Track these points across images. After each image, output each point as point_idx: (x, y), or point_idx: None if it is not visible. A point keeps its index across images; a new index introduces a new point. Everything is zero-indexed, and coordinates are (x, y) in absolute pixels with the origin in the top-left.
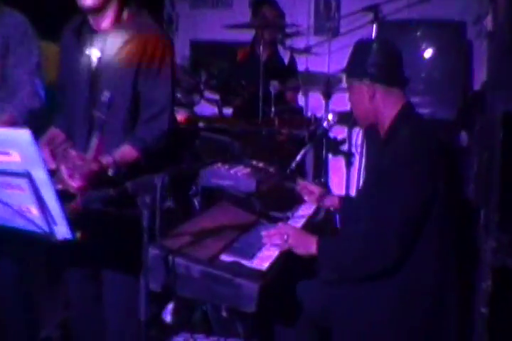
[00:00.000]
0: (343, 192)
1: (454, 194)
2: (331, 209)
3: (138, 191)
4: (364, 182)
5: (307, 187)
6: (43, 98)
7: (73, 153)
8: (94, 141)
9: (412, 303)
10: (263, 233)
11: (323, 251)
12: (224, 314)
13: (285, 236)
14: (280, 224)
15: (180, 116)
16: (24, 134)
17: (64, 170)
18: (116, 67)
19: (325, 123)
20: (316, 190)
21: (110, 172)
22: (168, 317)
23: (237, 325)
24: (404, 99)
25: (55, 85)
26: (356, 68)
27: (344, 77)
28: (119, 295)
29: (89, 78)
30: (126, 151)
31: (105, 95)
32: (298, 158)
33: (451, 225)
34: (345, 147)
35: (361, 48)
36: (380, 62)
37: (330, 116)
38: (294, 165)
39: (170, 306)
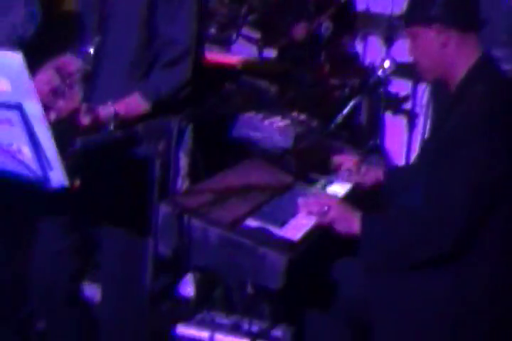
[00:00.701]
0: (401, 160)
1: None
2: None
3: (149, 136)
4: (423, 149)
5: (341, 162)
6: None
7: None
8: (77, 93)
9: (469, 299)
10: (299, 200)
11: (368, 231)
12: (249, 291)
13: (325, 208)
14: (321, 193)
15: (213, 55)
16: (15, 58)
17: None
18: None
19: (380, 72)
20: (351, 163)
21: (111, 127)
22: (183, 290)
23: (263, 305)
24: (481, 49)
25: None
26: (422, 10)
27: (404, 23)
28: (117, 259)
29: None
30: (134, 102)
31: (95, 41)
32: (345, 111)
33: None
34: (408, 105)
35: None
36: (452, 0)
37: (386, 64)
38: (339, 119)
39: (188, 277)
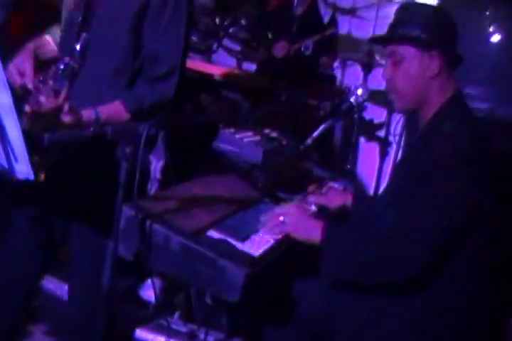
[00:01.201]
0: (371, 187)
1: (503, 212)
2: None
3: (118, 138)
4: (392, 181)
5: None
6: None
7: (43, 98)
8: (63, 91)
9: (434, 329)
10: (261, 218)
11: (330, 240)
12: (208, 301)
13: (281, 217)
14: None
15: (193, 63)
16: None
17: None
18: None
19: (352, 98)
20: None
21: (89, 131)
22: (144, 293)
23: (222, 316)
24: (457, 85)
25: None
26: (412, 29)
27: (386, 41)
28: (85, 259)
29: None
30: (115, 109)
31: (82, 37)
32: (315, 133)
33: (495, 246)
34: (382, 133)
35: (415, 7)
36: (443, 25)
37: (359, 91)
38: (309, 141)
39: (148, 281)
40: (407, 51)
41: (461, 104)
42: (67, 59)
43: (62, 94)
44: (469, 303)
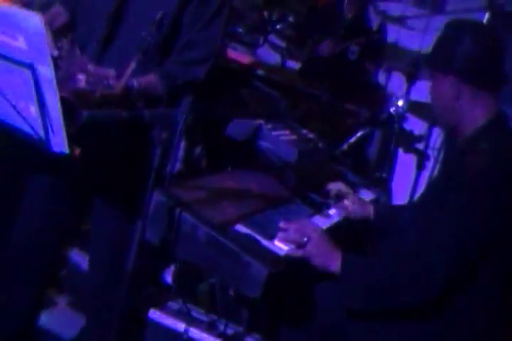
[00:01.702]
0: (405, 197)
1: None
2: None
3: (155, 122)
4: (422, 194)
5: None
6: None
7: (92, 68)
8: (131, 65)
9: None
10: (281, 223)
11: (348, 272)
12: (231, 293)
13: (305, 239)
14: (305, 220)
15: (237, 55)
16: (34, 19)
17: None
18: None
19: (392, 109)
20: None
21: (127, 113)
22: (167, 278)
23: (242, 310)
24: (497, 106)
25: None
26: (441, 58)
27: (425, 63)
28: (107, 235)
29: None
30: (151, 82)
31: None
32: (352, 139)
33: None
34: (421, 145)
35: (452, 33)
36: (473, 55)
37: (400, 102)
38: (345, 146)
39: (171, 267)
40: (434, 75)
41: (501, 127)
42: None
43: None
44: (484, 331)
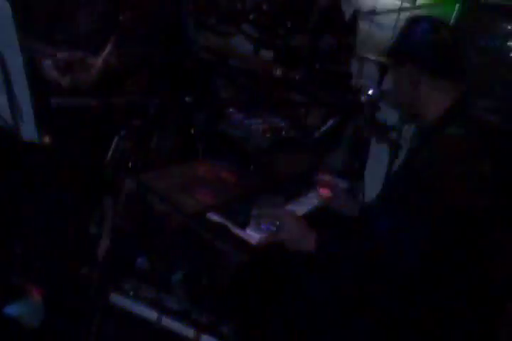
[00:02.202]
0: (378, 187)
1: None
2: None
3: (126, 110)
4: (389, 185)
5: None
6: None
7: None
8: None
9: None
10: (253, 211)
11: (323, 251)
12: (204, 282)
13: (277, 222)
14: (280, 209)
15: (211, 44)
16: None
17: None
18: None
19: (362, 98)
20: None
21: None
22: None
23: (216, 298)
24: (460, 95)
25: None
26: (400, 47)
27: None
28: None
29: None
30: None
31: None
32: (323, 128)
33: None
34: (394, 135)
35: (410, 25)
36: (428, 44)
37: (370, 91)
38: (316, 134)
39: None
40: (393, 63)
41: (464, 113)
42: None
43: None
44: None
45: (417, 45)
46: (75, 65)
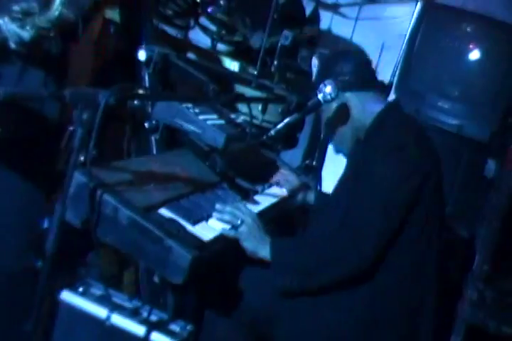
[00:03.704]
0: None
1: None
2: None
3: (76, 102)
4: (342, 175)
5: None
6: None
7: None
8: None
9: (379, 324)
10: (217, 205)
11: (278, 256)
12: (155, 279)
13: (238, 221)
14: (241, 204)
15: (168, 37)
16: None
17: None
18: None
19: (320, 95)
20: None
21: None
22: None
23: (168, 296)
24: (386, 101)
25: None
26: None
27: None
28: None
29: None
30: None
31: None
32: (279, 125)
33: (432, 243)
34: None
35: (328, 60)
36: (349, 69)
37: (328, 88)
38: (273, 132)
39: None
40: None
41: (398, 111)
42: None
43: None
44: (414, 293)
45: (342, 71)
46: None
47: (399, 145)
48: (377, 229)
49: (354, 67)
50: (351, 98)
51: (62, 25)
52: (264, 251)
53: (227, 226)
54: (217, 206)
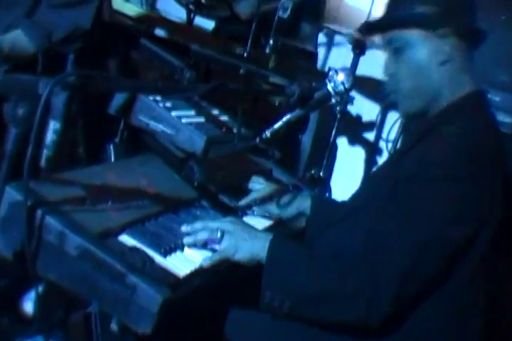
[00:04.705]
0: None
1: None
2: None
3: (8, 93)
4: (369, 184)
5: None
6: None
7: None
8: None
9: None
10: (184, 227)
11: (276, 259)
12: (114, 327)
13: (218, 234)
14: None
15: (131, 7)
16: None
17: None
18: None
19: (329, 85)
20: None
21: None
22: (26, 307)
23: None
24: (475, 81)
25: None
26: (411, 6)
27: (385, 27)
28: None
29: None
30: (17, 39)
31: None
32: (277, 124)
33: (489, 293)
34: (370, 135)
35: None
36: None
37: (340, 76)
38: (268, 133)
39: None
40: (411, 34)
41: (479, 106)
42: None
43: None
44: None
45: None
46: None
47: (459, 175)
48: (403, 273)
49: None
50: (457, 48)
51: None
52: (263, 251)
53: (208, 253)
54: (184, 228)
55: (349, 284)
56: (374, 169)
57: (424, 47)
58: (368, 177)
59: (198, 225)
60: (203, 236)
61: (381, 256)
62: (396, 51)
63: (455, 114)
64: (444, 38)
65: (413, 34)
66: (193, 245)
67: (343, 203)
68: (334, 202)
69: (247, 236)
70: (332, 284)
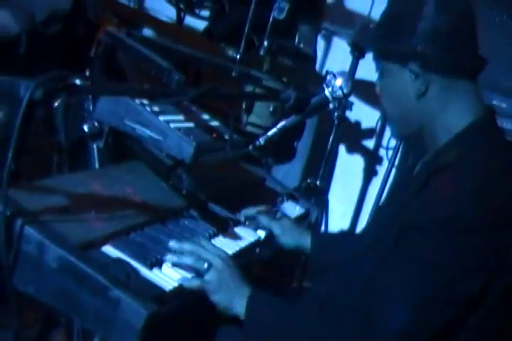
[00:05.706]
0: (346, 215)
1: None
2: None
3: None
4: (373, 226)
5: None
6: None
7: None
8: None
9: None
10: (171, 243)
11: (255, 315)
12: None
13: (205, 265)
14: (205, 240)
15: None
16: None
17: None
18: None
19: (327, 91)
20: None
21: None
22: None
23: None
24: (481, 102)
25: None
26: (396, 39)
27: (371, 51)
28: None
29: None
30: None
31: None
32: (271, 131)
33: None
34: (371, 142)
35: (407, 2)
36: (443, 31)
37: (338, 81)
38: (262, 140)
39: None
40: (384, 63)
41: (487, 133)
42: None
43: None
44: None
45: (425, 29)
46: None
47: (468, 228)
48: (403, 330)
49: (453, 27)
50: (435, 83)
51: None
52: (240, 307)
53: (188, 274)
54: (172, 244)
55: (338, 335)
56: (383, 200)
57: (396, 80)
58: (376, 213)
59: (187, 247)
60: (187, 261)
61: (380, 308)
62: (380, 72)
63: (463, 147)
64: (421, 73)
65: (385, 64)
66: (174, 265)
67: (345, 240)
68: (334, 238)
69: (232, 286)
70: (317, 337)
